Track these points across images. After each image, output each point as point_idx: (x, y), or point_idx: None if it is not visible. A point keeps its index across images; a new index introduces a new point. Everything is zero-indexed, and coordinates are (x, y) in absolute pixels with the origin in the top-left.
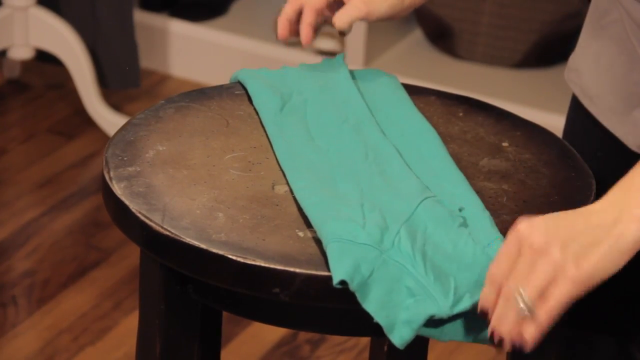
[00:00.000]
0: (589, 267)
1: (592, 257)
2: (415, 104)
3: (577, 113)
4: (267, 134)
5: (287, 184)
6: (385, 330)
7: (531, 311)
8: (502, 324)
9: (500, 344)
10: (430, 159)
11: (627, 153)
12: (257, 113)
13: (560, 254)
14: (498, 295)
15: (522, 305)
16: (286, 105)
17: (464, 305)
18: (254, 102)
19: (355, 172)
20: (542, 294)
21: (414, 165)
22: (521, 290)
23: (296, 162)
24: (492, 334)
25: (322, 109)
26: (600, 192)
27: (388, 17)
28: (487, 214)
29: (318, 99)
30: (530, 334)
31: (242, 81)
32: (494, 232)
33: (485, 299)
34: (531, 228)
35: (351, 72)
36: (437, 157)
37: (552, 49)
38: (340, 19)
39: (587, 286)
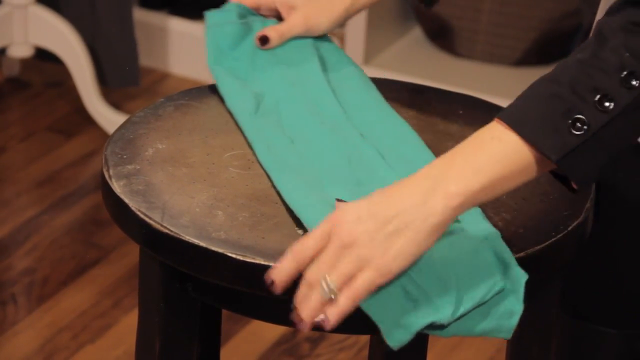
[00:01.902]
0: (393, 255)
1: (396, 244)
2: (415, 102)
3: None
4: (245, 138)
5: (273, 186)
6: (382, 331)
7: (335, 296)
8: (304, 306)
9: (299, 324)
10: (414, 160)
11: (637, 149)
12: (231, 115)
13: (365, 248)
14: (294, 271)
15: (326, 289)
16: (260, 106)
17: (465, 307)
18: (227, 104)
19: (341, 177)
20: (347, 281)
21: (398, 167)
22: (327, 276)
23: (280, 165)
24: (293, 313)
25: (296, 110)
26: (602, 190)
27: (330, 30)
28: (478, 209)
29: (291, 98)
30: (332, 315)
31: (212, 69)
32: (487, 225)
33: (279, 272)
34: (343, 220)
35: (321, 59)
36: (420, 157)
37: (551, 46)
38: (270, 32)
39: (392, 272)
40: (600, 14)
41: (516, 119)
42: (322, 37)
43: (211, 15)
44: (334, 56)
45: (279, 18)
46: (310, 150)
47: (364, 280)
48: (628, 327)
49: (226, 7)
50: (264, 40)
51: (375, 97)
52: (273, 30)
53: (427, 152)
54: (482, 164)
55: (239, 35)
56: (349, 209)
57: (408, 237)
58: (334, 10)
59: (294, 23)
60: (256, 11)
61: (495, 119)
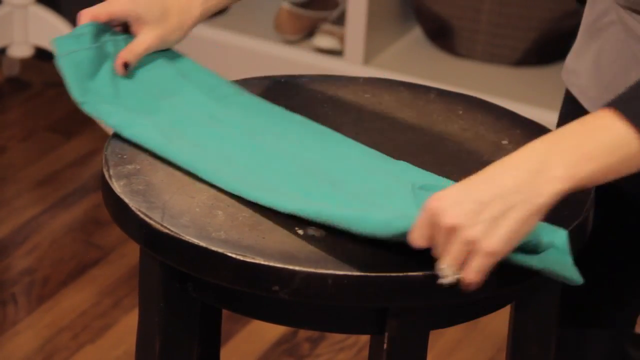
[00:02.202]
0: (501, 237)
1: (503, 226)
2: (415, 102)
3: (571, 110)
4: (170, 161)
5: (245, 198)
6: (560, 274)
7: (454, 279)
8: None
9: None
10: (345, 152)
11: None
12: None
13: (470, 230)
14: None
15: (446, 274)
16: (161, 130)
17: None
18: (126, 133)
19: (310, 183)
20: (461, 262)
21: (338, 162)
22: (440, 266)
23: (242, 181)
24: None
25: (201, 129)
26: (597, 189)
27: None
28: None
29: (184, 119)
30: (470, 282)
31: (81, 103)
32: None
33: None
34: (441, 207)
35: (182, 74)
36: (356, 148)
37: (551, 46)
38: (128, 56)
39: (501, 253)
40: (586, 14)
41: (628, 108)
42: (169, 51)
43: (60, 42)
44: (191, 68)
45: (126, 29)
46: (256, 164)
47: (478, 265)
48: (618, 327)
49: (76, 32)
50: (125, 66)
51: (253, 97)
52: (129, 53)
53: (348, 140)
54: (591, 150)
55: (94, 61)
56: (443, 195)
57: (514, 218)
58: (184, 24)
59: (148, 42)
60: (108, 24)
61: (604, 108)
